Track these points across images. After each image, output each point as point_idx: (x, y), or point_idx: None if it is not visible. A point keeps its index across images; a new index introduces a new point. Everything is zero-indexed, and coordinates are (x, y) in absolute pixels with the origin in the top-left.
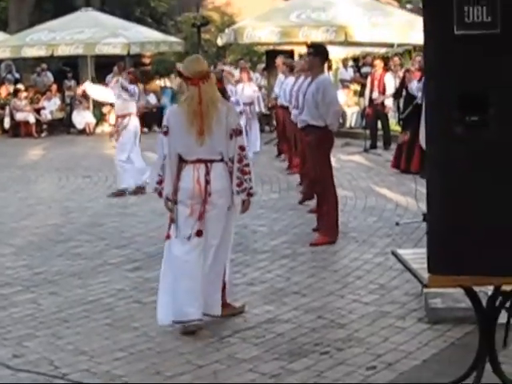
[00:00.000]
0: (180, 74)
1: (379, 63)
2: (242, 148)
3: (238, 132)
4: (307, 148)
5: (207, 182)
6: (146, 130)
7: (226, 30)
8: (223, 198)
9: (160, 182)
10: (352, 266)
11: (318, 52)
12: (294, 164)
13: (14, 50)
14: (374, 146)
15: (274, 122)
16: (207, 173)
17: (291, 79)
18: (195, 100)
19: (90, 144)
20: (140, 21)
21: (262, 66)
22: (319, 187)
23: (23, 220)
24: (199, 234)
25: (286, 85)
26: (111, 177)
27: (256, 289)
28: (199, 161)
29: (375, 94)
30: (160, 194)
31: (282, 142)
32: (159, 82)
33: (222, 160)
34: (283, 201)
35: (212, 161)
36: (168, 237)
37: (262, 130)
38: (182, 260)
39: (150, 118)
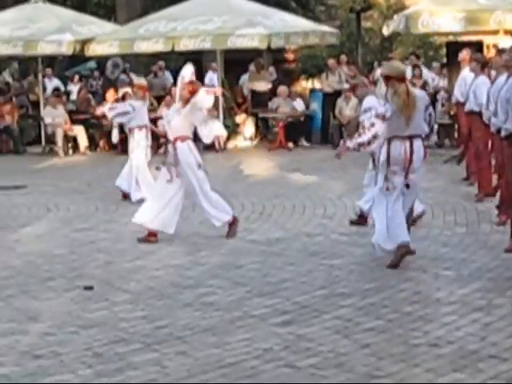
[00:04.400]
0: (387, 78)
1: None
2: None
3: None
4: (508, 160)
5: (411, 153)
6: (290, 144)
7: (395, 17)
8: (421, 164)
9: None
10: None
11: None
12: (484, 186)
13: (124, 45)
14: None
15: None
16: (411, 145)
17: (483, 79)
18: (405, 93)
19: (220, 163)
20: (281, 5)
21: (440, 62)
22: None
23: (138, 259)
24: (407, 186)
25: (476, 86)
26: (248, 204)
27: (442, 351)
28: (407, 137)
29: None
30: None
31: (469, 159)
32: (307, 84)
33: (420, 136)
34: (472, 237)
35: (414, 136)
36: (387, 189)
37: (440, 145)
38: (394, 204)
39: (297, 129)
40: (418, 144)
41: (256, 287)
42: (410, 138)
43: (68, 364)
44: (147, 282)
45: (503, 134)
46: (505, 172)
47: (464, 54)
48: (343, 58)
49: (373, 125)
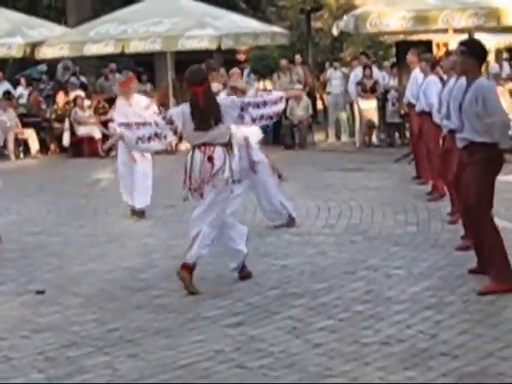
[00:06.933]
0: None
1: None
2: None
3: None
4: (469, 170)
5: None
6: None
7: (345, 17)
8: None
9: None
10: None
11: (473, 51)
12: (439, 187)
13: (74, 47)
14: None
15: (408, 134)
16: None
17: (433, 79)
18: None
19: (171, 166)
20: (232, 7)
21: (391, 61)
22: (475, 217)
23: (90, 262)
24: None
25: (426, 85)
26: None
27: (393, 349)
28: None
29: None
30: None
31: (420, 159)
32: (258, 85)
33: None
34: (423, 235)
35: None
36: None
37: (390, 144)
38: None
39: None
40: None
41: (209, 289)
42: None
43: (20, 368)
44: (99, 284)
45: (460, 144)
46: (457, 177)
47: (410, 56)
48: (298, 58)
49: None
